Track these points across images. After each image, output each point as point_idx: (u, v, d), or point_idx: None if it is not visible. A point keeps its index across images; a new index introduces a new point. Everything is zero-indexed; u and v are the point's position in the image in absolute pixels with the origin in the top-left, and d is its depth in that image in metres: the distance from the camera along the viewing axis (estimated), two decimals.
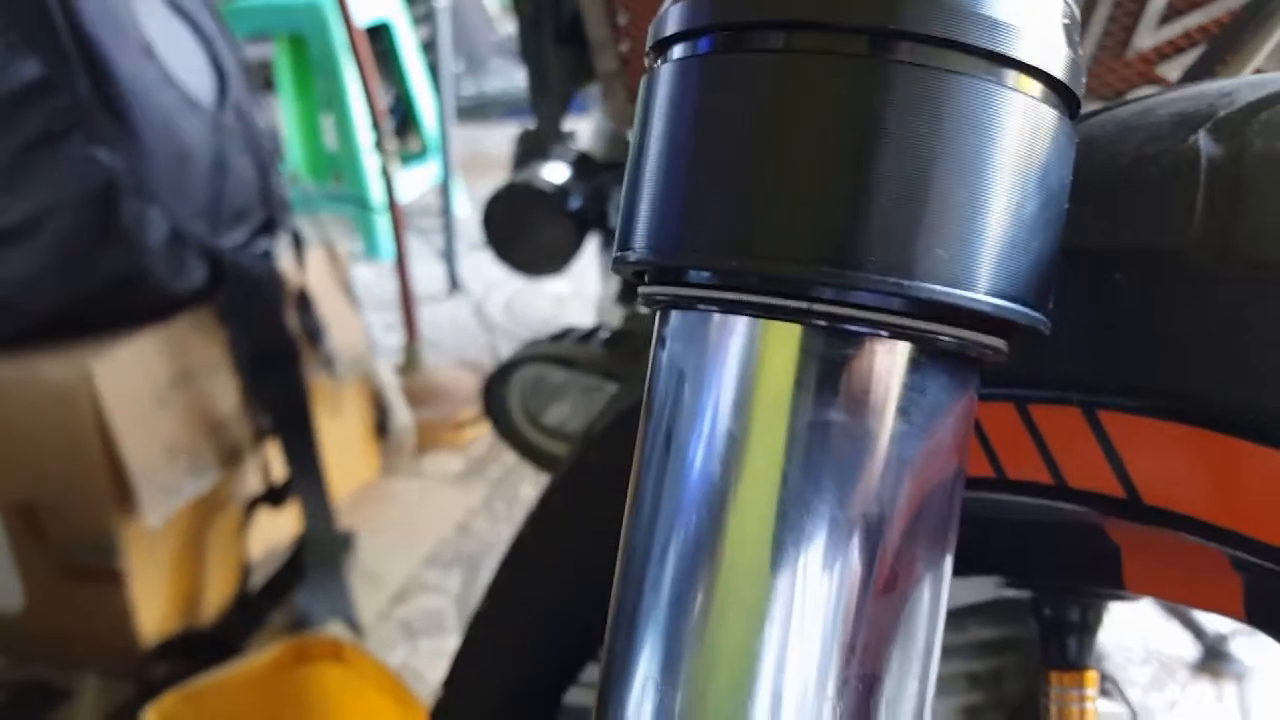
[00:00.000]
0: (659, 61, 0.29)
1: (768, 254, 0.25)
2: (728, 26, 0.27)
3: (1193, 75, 0.62)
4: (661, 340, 0.29)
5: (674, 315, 0.29)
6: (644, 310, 0.30)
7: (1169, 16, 0.72)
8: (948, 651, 0.78)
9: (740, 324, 0.27)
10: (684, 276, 0.28)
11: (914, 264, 0.25)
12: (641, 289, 0.30)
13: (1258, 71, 0.61)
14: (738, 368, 0.27)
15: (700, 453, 0.27)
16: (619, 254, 0.29)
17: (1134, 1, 0.72)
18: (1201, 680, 1.54)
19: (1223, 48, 0.68)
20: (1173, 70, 0.74)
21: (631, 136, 0.30)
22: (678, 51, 0.28)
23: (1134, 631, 1.61)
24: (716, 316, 0.28)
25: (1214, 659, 1.54)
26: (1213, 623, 1.54)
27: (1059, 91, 0.27)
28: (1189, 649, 1.57)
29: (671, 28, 0.28)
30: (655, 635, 0.28)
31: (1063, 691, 0.45)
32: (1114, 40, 0.74)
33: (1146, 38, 0.73)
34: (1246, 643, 1.53)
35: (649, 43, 0.30)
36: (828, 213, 0.25)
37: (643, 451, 0.30)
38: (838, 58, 0.25)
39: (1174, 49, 0.73)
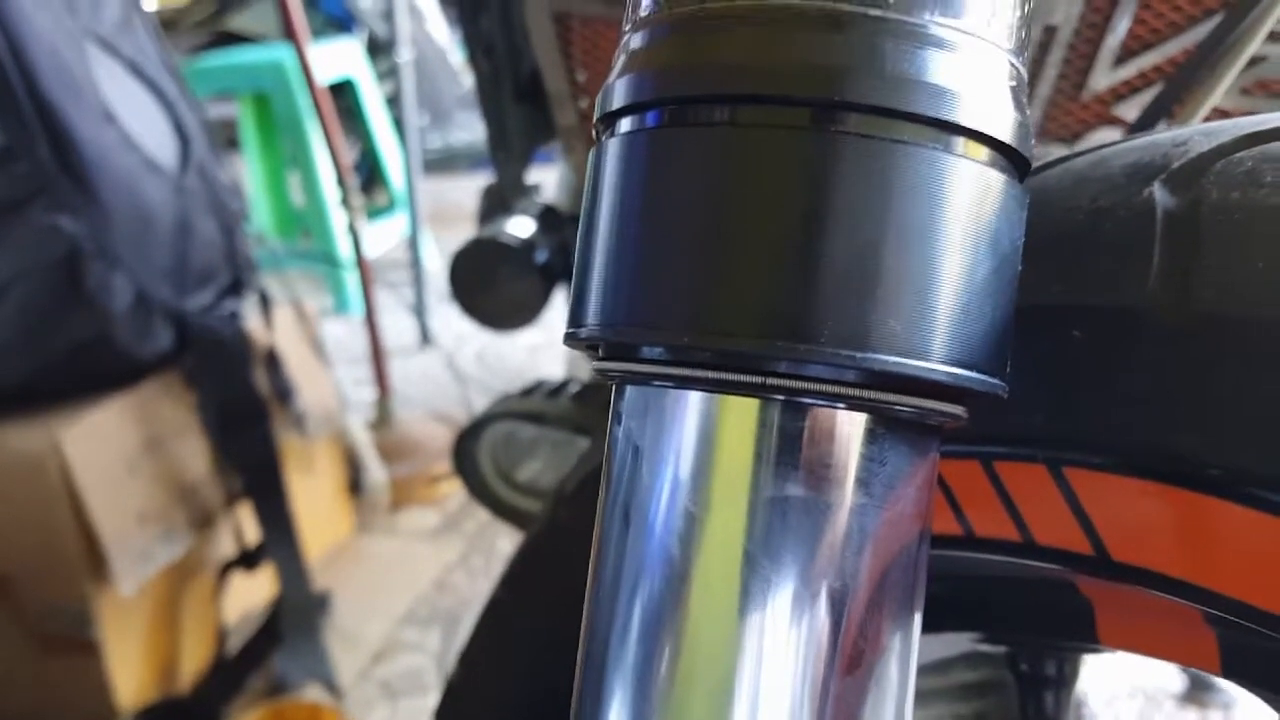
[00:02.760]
0: (606, 134, 0.29)
1: (720, 329, 0.25)
2: (674, 100, 0.27)
3: (1150, 115, 0.62)
4: (617, 415, 0.29)
5: (629, 390, 0.29)
6: (599, 381, 0.30)
7: (1124, 57, 0.72)
8: (932, 696, 0.77)
9: (695, 399, 0.27)
10: (637, 352, 0.28)
11: (867, 335, 0.25)
12: (594, 364, 0.29)
13: (1216, 109, 0.61)
14: (694, 443, 0.27)
15: (659, 530, 0.27)
16: (571, 330, 0.29)
17: (1088, 43, 0.72)
18: (1188, 712, 1.53)
19: (1179, 87, 0.69)
20: (1129, 110, 0.74)
21: (581, 211, 0.29)
22: (625, 125, 0.28)
23: (1119, 665, 1.61)
24: (671, 392, 0.27)
25: (1199, 691, 1.54)
26: None
27: (1007, 155, 0.27)
28: (1174, 681, 1.57)
29: (618, 101, 0.28)
30: (620, 712, 0.27)
31: None
32: (1069, 82, 0.74)
33: (1102, 79, 0.73)
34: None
35: (595, 115, 0.30)
36: (779, 286, 0.25)
37: (601, 528, 0.29)
38: (783, 130, 0.25)
39: (1130, 89, 0.74)
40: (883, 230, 0.25)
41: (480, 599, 0.63)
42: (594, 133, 0.30)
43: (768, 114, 0.25)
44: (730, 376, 0.26)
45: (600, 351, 0.29)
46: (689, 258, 0.25)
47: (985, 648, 0.47)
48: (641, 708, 0.27)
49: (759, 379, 0.25)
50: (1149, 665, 1.57)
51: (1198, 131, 0.34)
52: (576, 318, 0.28)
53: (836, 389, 0.25)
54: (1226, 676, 0.35)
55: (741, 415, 0.26)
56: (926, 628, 0.31)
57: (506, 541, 2.12)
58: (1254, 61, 0.68)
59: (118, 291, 1.43)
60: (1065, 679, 0.45)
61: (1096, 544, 0.33)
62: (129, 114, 1.51)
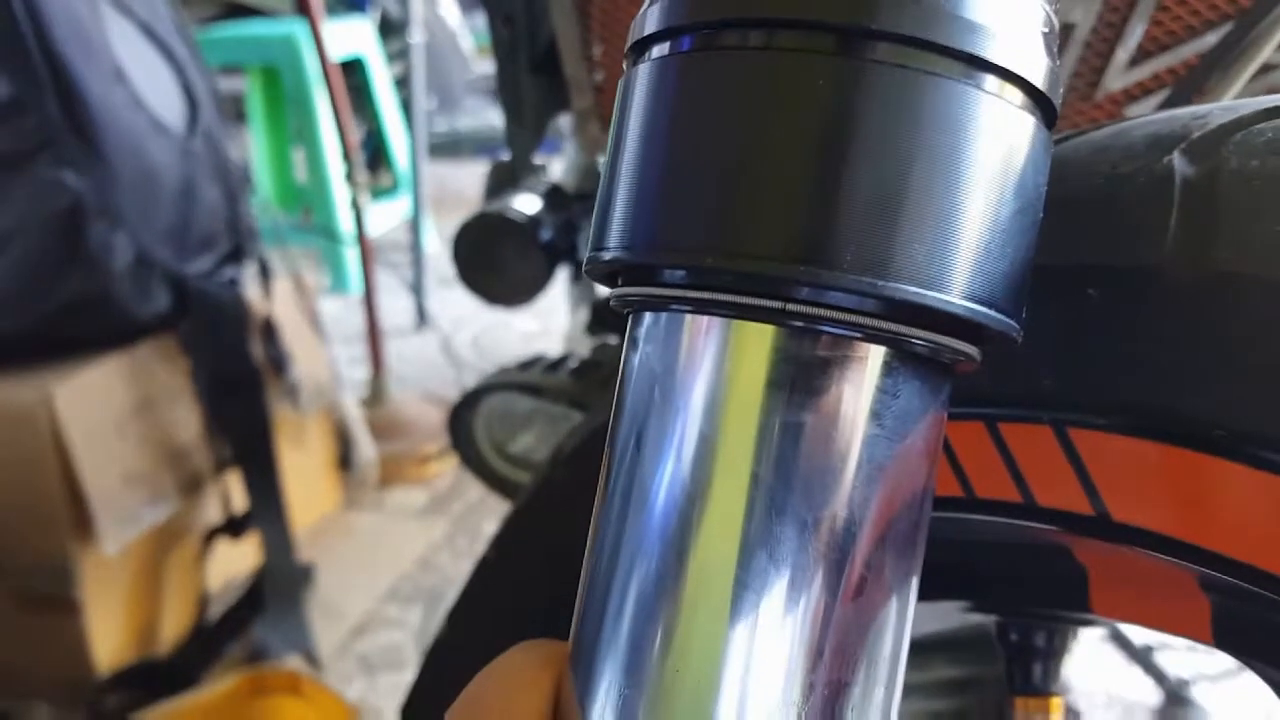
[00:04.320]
0: (638, 62, 0.29)
1: (742, 252, 0.25)
2: (706, 25, 0.27)
3: None
4: (634, 342, 0.29)
5: (647, 317, 0.29)
6: (617, 309, 0.30)
7: (1138, 59, 0.73)
8: (910, 690, 0.77)
9: (714, 324, 0.27)
10: (658, 276, 0.28)
11: (889, 265, 0.25)
12: (614, 290, 0.30)
13: None
14: (710, 369, 0.27)
15: (671, 454, 0.27)
16: (593, 253, 0.29)
17: (1104, 43, 0.72)
18: None
19: (1191, 90, 0.69)
20: (1142, 112, 0.74)
21: (609, 137, 0.30)
22: (656, 51, 0.28)
23: (1096, 676, 1.61)
24: (689, 317, 0.27)
25: (1176, 705, 1.54)
26: (1175, 668, 1.54)
27: (1036, 99, 0.27)
28: (1151, 694, 1.57)
29: (650, 27, 0.28)
30: (620, 637, 0.28)
31: (1028, 718, 0.45)
32: (1084, 82, 0.74)
33: (1116, 79, 0.74)
34: (1209, 688, 1.53)
35: (627, 44, 0.30)
36: (803, 211, 0.25)
37: (613, 453, 0.29)
38: (816, 56, 0.25)
39: (1143, 91, 0.74)
40: (910, 161, 0.25)
41: (463, 579, 0.63)
42: (624, 64, 0.30)
43: (801, 39, 0.25)
44: (750, 301, 0.26)
45: (620, 278, 0.30)
46: (714, 180, 0.26)
47: (974, 619, 0.47)
48: (647, 619, 0.27)
49: (779, 304, 0.26)
50: (1127, 677, 1.58)
51: (1218, 107, 0.35)
52: (599, 241, 0.29)
53: (855, 318, 0.26)
54: (1215, 645, 0.36)
55: (759, 341, 0.26)
56: (920, 595, 0.31)
57: (492, 523, 2.12)
58: (1265, 69, 0.69)
59: (118, 250, 1.43)
60: (1054, 650, 0.45)
61: (1098, 505, 0.34)
62: (139, 74, 1.51)
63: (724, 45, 0.26)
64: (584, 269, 0.30)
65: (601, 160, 1.03)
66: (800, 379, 0.26)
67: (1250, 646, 0.35)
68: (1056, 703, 0.45)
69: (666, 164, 0.27)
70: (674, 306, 0.28)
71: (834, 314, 0.26)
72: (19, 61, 1.34)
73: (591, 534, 0.30)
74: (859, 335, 0.26)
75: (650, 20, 0.28)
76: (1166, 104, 0.72)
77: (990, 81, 0.26)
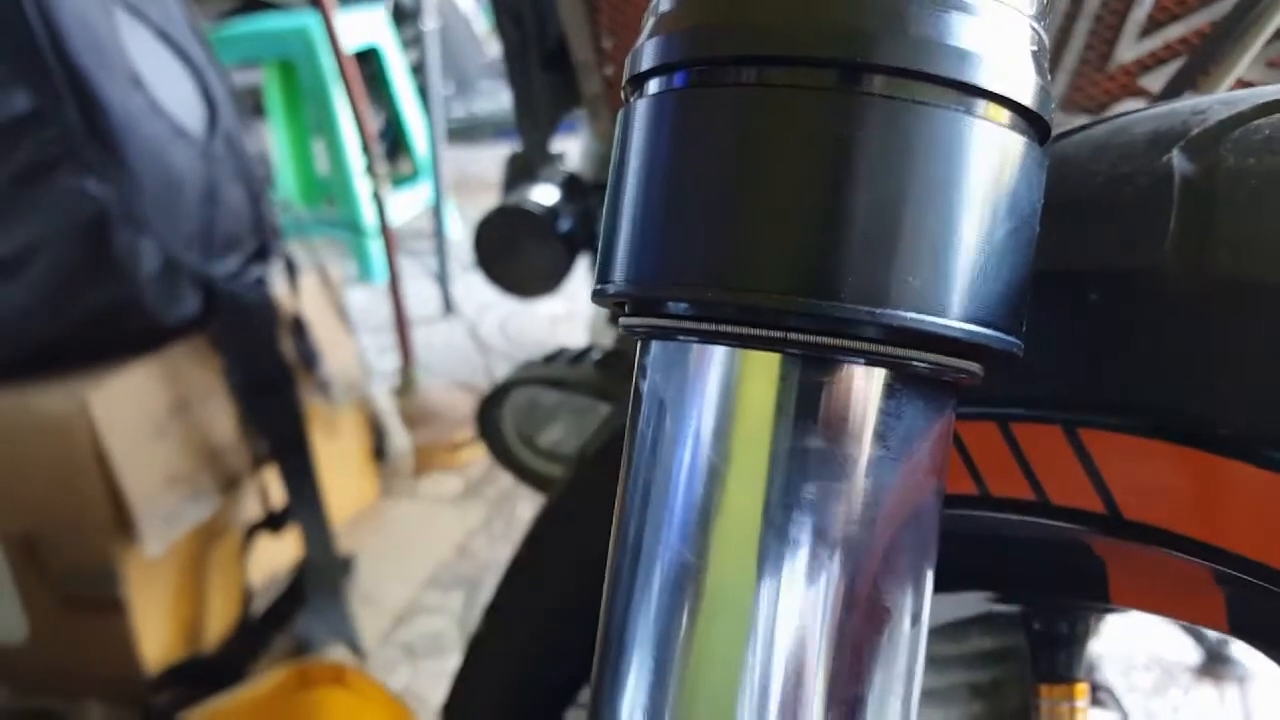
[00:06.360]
0: (635, 96, 0.29)
1: (744, 285, 0.26)
2: (702, 61, 0.27)
3: (1175, 86, 0.63)
4: (642, 370, 0.30)
5: (654, 346, 0.29)
6: (626, 337, 0.31)
7: (1150, 29, 0.72)
8: (948, 662, 0.78)
9: (719, 354, 0.27)
10: (663, 308, 0.28)
11: (887, 292, 0.25)
12: (622, 320, 0.30)
13: (1240, 81, 0.61)
14: (717, 397, 0.27)
15: (682, 481, 0.28)
16: (599, 286, 0.30)
17: (1115, 14, 0.72)
18: (1204, 684, 1.54)
19: (1204, 58, 0.69)
20: (1155, 82, 0.74)
21: (609, 171, 0.30)
22: (653, 86, 0.29)
23: (1136, 637, 1.61)
24: (695, 347, 0.28)
25: (1215, 663, 1.55)
26: None
27: (1028, 119, 0.27)
28: (1190, 654, 1.57)
29: (646, 63, 0.29)
30: (642, 661, 0.28)
31: (1053, 704, 0.46)
32: (1096, 53, 0.74)
33: (1128, 50, 0.73)
34: (1247, 647, 1.53)
35: (624, 77, 0.30)
36: (802, 243, 0.25)
37: (625, 480, 0.30)
38: (809, 91, 0.26)
39: (1155, 61, 0.74)
40: (904, 190, 0.25)
41: (502, 563, 0.64)
42: (623, 95, 0.31)
43: (793, 75, 0.26)
44: (752, 331, 0.26)
45: (627, 308, 0.30)
46: (714, 215, 0.26)
47: (1000, 608, 0.47)
48: (664, 650, 0.28)
49: (780, 334, 0.26)
50: (1166, 636, 1.58)
51: (1217, 100, 0.35)
52: (604, 275, 0.29)
53: (856, 344, 0.26)
54: (1233, 634, 0.36)
55: (763, 369, 0.27)
56: (943, 587, 0.32)
57: (527, 507, 2.13)
58: (1278, 35, 0.68)
59: (145, 256, 1.45)
60: (1077, 637, 0.46)
61: (1109, 503, 0.34)
62: (157, 80, 1.52)
63: (718, 81, 0.27)
64: (591, 298, 0.31)
65: None
66: (805, 405, 0.27)
67: (1267, 636, 0.35)
68: (1081, 688, 0.46)
69: (666, 199, 0.27)
70: (680, 337, 0.28)
71: (835, 341, 0.26)
72: (37, 73, 1.35)
73: (610, 562, 0.30)
74: (860, 361, 0.27)
75: (646, 56, 0.29)
76: (1182, 73, 0.71)
77: (981, 106, 0.26)
